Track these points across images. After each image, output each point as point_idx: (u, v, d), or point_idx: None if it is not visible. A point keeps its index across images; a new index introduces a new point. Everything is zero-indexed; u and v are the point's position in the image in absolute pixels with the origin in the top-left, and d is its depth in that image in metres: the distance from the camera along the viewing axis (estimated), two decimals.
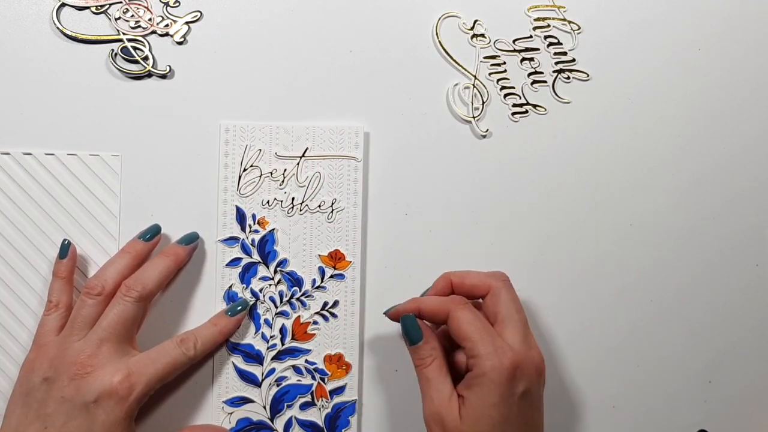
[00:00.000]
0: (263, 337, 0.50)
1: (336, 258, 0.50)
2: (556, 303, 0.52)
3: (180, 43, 0.50)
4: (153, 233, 0.48)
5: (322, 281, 0.50)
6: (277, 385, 0.50)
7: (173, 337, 0.46)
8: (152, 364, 0.44)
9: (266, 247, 0.49)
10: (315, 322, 0.50)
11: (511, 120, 0.51)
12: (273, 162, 0.49)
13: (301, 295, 0.50)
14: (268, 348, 0.50)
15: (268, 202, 0.49)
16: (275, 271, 0.49)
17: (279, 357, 0.50)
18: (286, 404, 0.50)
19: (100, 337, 0.44)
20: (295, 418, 0.50)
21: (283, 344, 0.50)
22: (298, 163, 0.49)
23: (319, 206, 0.49)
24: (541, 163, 0.51)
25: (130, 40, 0.49)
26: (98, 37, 0.49)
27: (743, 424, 0.52)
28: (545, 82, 0.51)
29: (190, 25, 0.50)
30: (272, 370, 0.50)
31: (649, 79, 0.51)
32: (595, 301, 0.52)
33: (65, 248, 0.47)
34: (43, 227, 0.49)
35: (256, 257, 0.49)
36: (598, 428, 0.52)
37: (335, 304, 0.50)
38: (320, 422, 0.50)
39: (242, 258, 0.49)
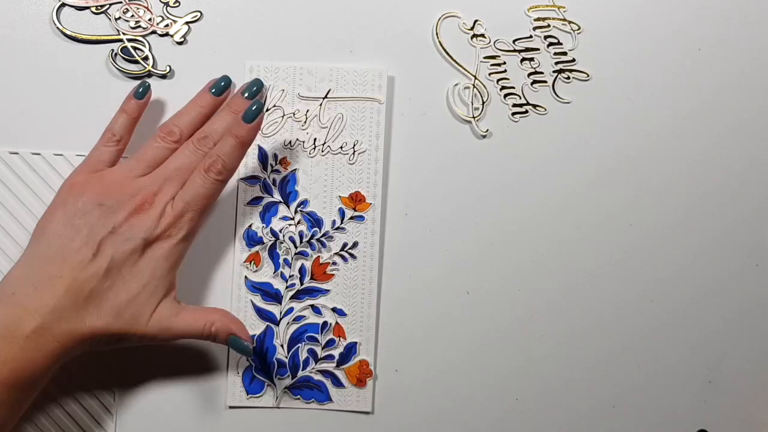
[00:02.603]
0: (282, 276, 0.50)
1: (356, 200, 0.50)
2: (555, 303, 0.52)
3: (180, 43, 0.50)
4: (224, 86, 0.48)
5: (342, 222, 0.50)
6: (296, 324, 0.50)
7: (197, 169, 0.44)
8: (193, 204, 0.43)
9: (287, 187, 0.50)
10: (334, 263, 0.50)
11: (511, 120, 0.51)
12: (296, 103, 0.50)
13: (322, 236, 0.50)
14: (286, 287, 0.50)
15: (290, 142, 0.50)
16: (296, 212, 0.50)
17: (297, 296, 0.50)
18: (304, 343, 0.50)
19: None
20: (312, 357, 0.50)
21: (302, 284, 0.50)
22: (320, 104, 0.50)
23: (341, 148, 0.50)
24: (541, 163, 0.51)
25: (130, 40, 0.49)
26: (98, 37, 0.49)
27: (743, 424, 0.52)
28: (545, 82, 0.51)
29: (190, 25, 0.50)
30: (290, 309, 0.50)
31: (649, 79, 0.51)
32: (595, 301, 0.52)
33: (144, 90, 0.47)
34: None
35: (277, 197, 0.50)
36: (598, 428, 0.52)
37: (354, 245, 0.50)
38: (335, 362, 0.50)
39: (263, 197, 0.50)
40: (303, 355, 0.50)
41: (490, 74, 0.51)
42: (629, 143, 0.52)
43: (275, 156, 0.50)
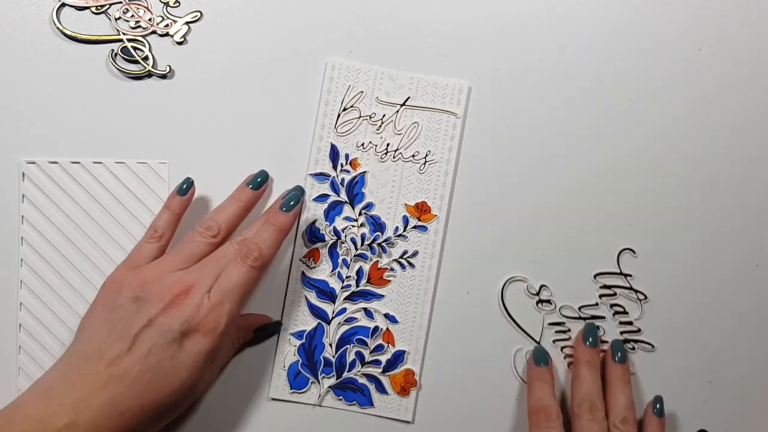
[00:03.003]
0: (339, 276, 0.50)
1: (422, 210, 0.50)
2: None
3: (180, 43, 0.50)
4: (261, 182, 0.48)
5: (404, 230, 0.50)
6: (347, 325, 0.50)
7: (234, 256, 0.44)
8: (230, 294, 0.42)
9: (355, 189, 0.50)
10: (392, 269, 0.50)
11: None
12: (373, 106, 0.50)
13: (383, 241, 0.50)
14: (342, 288, 0.50)
15: (362, 144, 0.50)
16: (360, 214, 0.50)
17: (352, 298, 0.50)
18: (352, 345, 0.50)
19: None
20: (359, 360, 0.50)
21: (357, 286, 0.50)
22: (397, 111, 0.50)
23: (413, 156, 0.50)
24: (540, 163, 0.51)
25: (130, 40, 0.49)
26: (98, 37, 0.49)
27: (743, 424, 0.52)
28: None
29: (190, 25, 0.50)
30: (343, 310, 0.50)
31: (649, 79, 0.51)
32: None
33: (187, 186, 0.47)
34: (92, 235, 0.49)
35: (343, 197, 0.50)
36: None
37: (414, 254, 0.50)
38: (381, 368, 0.50)
39: (330, 195, 0.50)
40: (350, 356, 0.50)
41: (554, 341, 0.51)
42: (629, 143, 0.52)
43: (346, 156, 0.50)
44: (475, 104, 0.51)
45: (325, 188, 0.50)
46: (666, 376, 0.52)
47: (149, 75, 0.49)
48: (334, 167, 0.50)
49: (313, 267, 0.50)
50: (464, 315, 0.51)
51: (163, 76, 0.50)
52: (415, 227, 0.50)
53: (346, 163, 0.50)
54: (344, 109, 0.50)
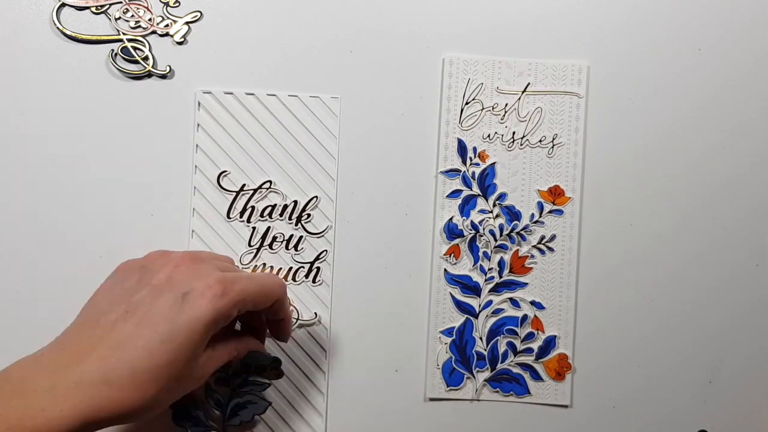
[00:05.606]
0: (481, 269, 0.50)
1: (555, 194, 0.50)
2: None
3: (180, 43, 0.50)
4: None
5: (540, 216, 0.51)
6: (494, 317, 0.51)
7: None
8: (248, 280, 0.39)
9: (486, 181, 0.50)
10: (532, 256, 0.51)
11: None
12: (494, 96, 0.50)
13: (521, 230, 0.50)
14: (485, 280, 0.50)
15: (488, 135, 0.50)
16: (494, 205, 0.50)
17: (496, 289, 0.50)
18: (502, 336, 0.50)
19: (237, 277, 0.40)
20: (511, 350, 0.51)
21: (500, 277, 0.50)
22: (519, 98, 0.50)
23: (540, 141, 0.50)
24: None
25: (130, 40, 0.49)
26: (98, 37, 0.49)
27: (743, 424, 0.52)
28: None
29: (190, 25, 0.50)
30: (489, 302, 0.50)
31: (649, 79, 0.51)
32: (595, 302, 0.51)
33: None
34: (263, 165, 0.50)
35: (476, 190, 0.50)
36: (597, 428, 0.52)
37: (552, 238, 0.51)
38: (534, 356, 0.51)
39: (462, 190, 0.50)
40: (502, 347, 0.50)
41: None
42: (629, 143, 0.52)
43: (474, 149, 0.50)
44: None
45: (456, 184, 0.50)
46: (666, 376, 0.52)
47: (149, 75, 0.49)
48: (464, 162, 0.50)
49: (455, 263, 0.50)
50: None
51: (163, 76, 0.50)
52: (550, 212, 0.51)
53: (475, 156, 0.50)
54: (467, 103, 0.50)
